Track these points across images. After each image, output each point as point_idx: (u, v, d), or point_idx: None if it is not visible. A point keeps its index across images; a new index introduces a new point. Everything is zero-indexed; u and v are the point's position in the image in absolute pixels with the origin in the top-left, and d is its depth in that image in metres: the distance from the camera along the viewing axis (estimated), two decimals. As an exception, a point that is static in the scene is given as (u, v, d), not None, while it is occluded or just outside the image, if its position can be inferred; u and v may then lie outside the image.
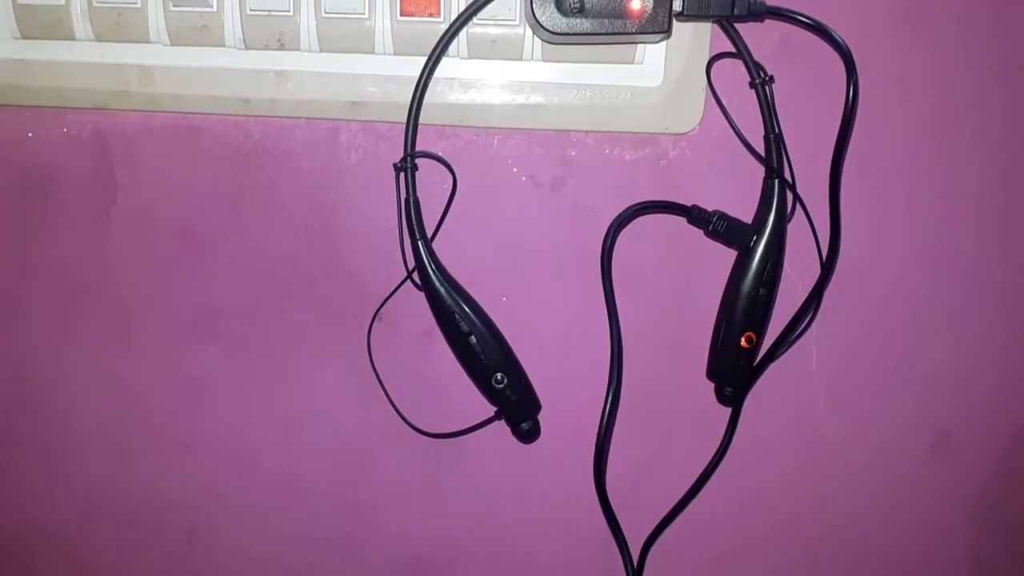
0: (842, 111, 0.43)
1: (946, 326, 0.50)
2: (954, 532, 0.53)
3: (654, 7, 0.41)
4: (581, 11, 0.41)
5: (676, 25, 0.44)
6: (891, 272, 0.49)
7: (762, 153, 0.44)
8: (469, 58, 0.46)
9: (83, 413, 0.52)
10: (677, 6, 0.42)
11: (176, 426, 0.52)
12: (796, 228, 0.46)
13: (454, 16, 0.44)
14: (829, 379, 0.50)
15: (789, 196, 0.45)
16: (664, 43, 0.45)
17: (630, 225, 0.47)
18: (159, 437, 0.53)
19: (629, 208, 0.45)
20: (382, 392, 0.49)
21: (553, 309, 0.50)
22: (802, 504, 0.52)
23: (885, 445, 0.51)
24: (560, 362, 0.49)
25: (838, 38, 0.42)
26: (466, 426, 0.49)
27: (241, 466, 0.53)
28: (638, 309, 0.49)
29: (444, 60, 0.45)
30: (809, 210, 0.46)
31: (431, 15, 0.45)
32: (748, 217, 0.46)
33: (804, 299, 0.46)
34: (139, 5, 0.45)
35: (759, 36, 0.45)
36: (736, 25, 0.43)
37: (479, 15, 0.44)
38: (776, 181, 0.44)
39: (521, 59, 0.46)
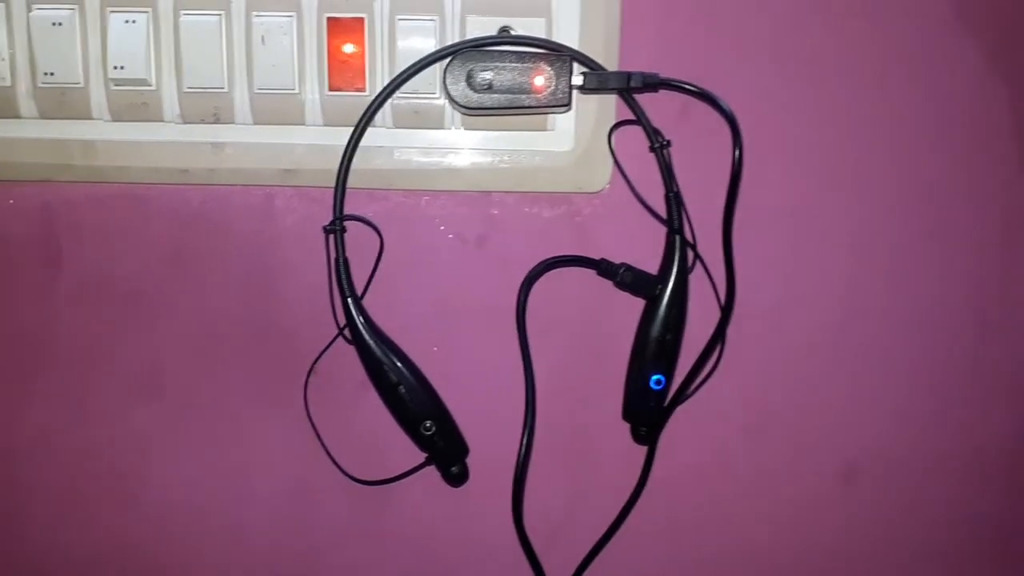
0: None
1: (845, 361, 0.54)
2: (864, 558, 0.56)
3: (556, 84, 0.45)
4: (490, 88, 0.45)
5: (583, 96, 0.48)
6: (789, 313, 0.53)
7: (664, 209, 0.48)
8: (394, 127, 0.50)
9: (32, 471, 0.54)
10: (578, 81, 0.46)
11: (124, 481, 0.54)
12: (701, 276, 0.50)
13: (379, 89, 0.48)
14: (741, 416, 0.54)
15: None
16: (573, 112, 0.49)
17: (550, 278, 0.51)
18: (107, 492, 0.54)
19: (541, 263, 0.49)
20: (319, 443, 0.52)
21: (481, 357, 0.53)
22: (721, 537, 0.55)
23: (797, 477, 0.55)
24: (487, 408, 0.52)
25: (723, 105, 0.46)
26: (399, 472, 0.51)
27: (187, 518, 0.55)
28: (558, 356, 0.52)
29: (371, 129, 0.48)
30: (709, 259, 0.50)
31: (358, 89, 0.49)
32: (657, 267, 0.50)
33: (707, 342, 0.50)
34: (82, 84, 0.48)
35: (663, 103, 0.49)
36: (637, 96, 0.48)
37: (402, 89, 0.48)
38: (676, 236, 0.48)
39: (443, 128, 0.50)
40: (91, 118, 0.49)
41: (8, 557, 0.55)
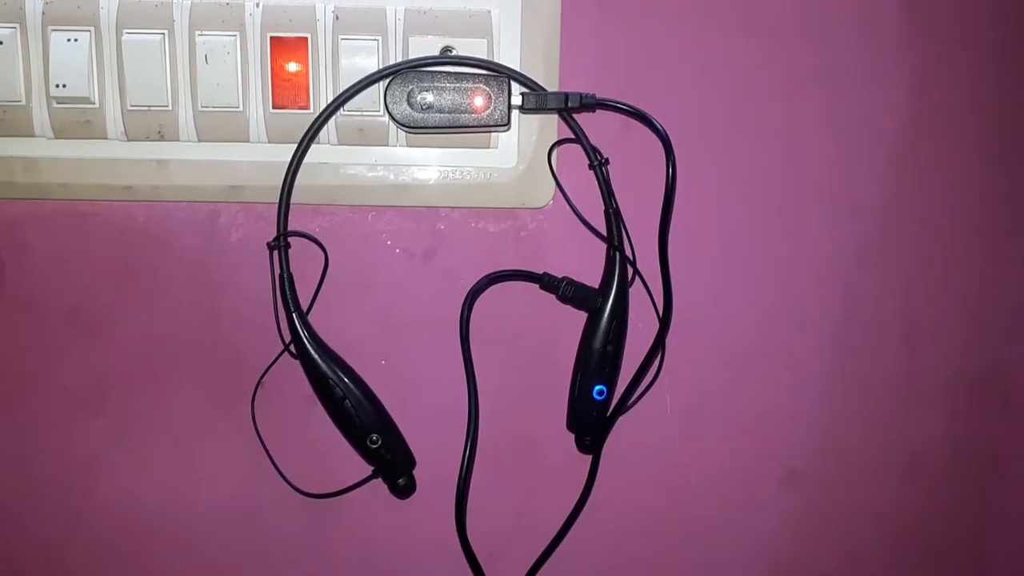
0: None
1: (781, 367, 0.55)
2: (805, 561, 0.58)
3: (495, 103, 0.47)
4: (430, 108, 0.46)
5: (525, 115, 0.50)
6: (726, 322, 0.54)
7: (604, 224, 0.50)
8: (339, 144, 0.50)
9: (-28, 492, 0.54)
10: (517, 101, 0.47)
11: (67, 498, 0.54)
12: (641, 288, 0.52)
13: (323, 107, 0.48)
14: (683, 423, 0.55)
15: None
16: (516, 129, 0.51)
17: (494, 291, 0.52)
18: (50, 509, 0.54)
19: (484, 278, 0.50)
20: (267, 457, 0.52)
21: (427, 371, 0.53)
22: (667, 543, 0.56)
23: (738, 482, 0.56)
24: (434, 421, 0.53)
25: (657, 124, 0.48)
26: (347, 485, 0.52)
27: (134, 534, 0.54)
28: (503, 369, 0.53)
29: (315, 146, 0.49)
30: (648, 271, 0.51)
31: (301, 107, 0.49)
32: (599, 280, 0.51)
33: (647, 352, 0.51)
34: (23, 102, 0.48)
35: (603, 121, 0.51)
36: (576, 115, 0.49)
37: (345, 107, 0.49)
38: (616, 252, 0.49)
39: (387, 144, 0.51)
40: (34, 135, 0.49)
41: (-50, 578, 0.54)
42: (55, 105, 0.48)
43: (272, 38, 0.48)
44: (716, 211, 0.53)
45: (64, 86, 0.48)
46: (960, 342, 0.56)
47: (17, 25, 0.48)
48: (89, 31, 0.48)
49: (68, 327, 0.52)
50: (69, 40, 0.48)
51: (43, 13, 0.48)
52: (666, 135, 0.48)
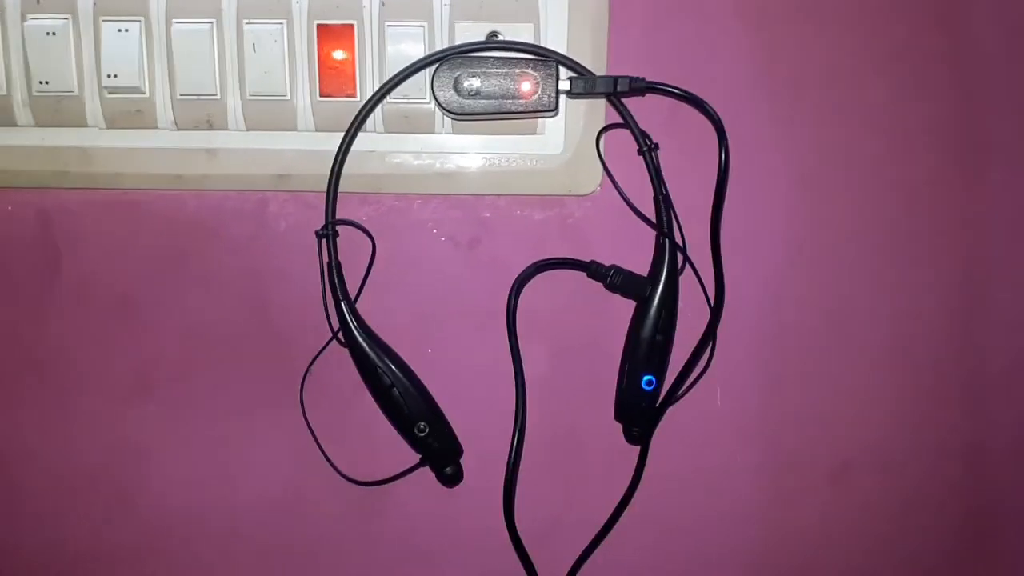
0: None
1: (835, 361, 0.54)
2: (856, 557, 0.57)
3: (542, 88, 0.46)
4: (477, 94, 0.46)
5: (573, 100, 0.49)
6: (778, 313, 0.53)
7: (654, 211, 0.49)
8: (385, 132, 0.50)
9: (27, 474, 0.55)
10: (565, 86, 0.46)
11: (119, 484, 0.55)
12: (691, 276, 0.51)
13: (369, 95, 0.48)
14: (733, 415, 0.54)
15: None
16: (563, 115, 0.50)
17: (541, 279, 0.51)
18: (102, 496, 0.55)
19: (531, 266, 0.50)
20: (315, 445, 0.52)
21: (473, 358, 0.53)
22: (713, 537, 0.56)
23: (788, 476, 0.55)
24: (481, 409, 0.53)
25: (709, 108, 0.47)
26: (394, 473, 0.52)
27: (183, 521, 0.55)
28: (551, 358, 0.53)
29: (362, 134, 0.49)
30: (699, 259, 0.50)
31: (348, 95, 0.49)
32: (648, 268, 0.50)
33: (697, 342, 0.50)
34: (76, 93, 0.49)
35: (651, 107, 0.50)
36: (624, 99, 0.48)
37: (392, 94, 0.48)
38: (666, 239, 0.48)
39: (434, 132, 0.50)
40: (86, 125, 0.50)
41: (3, 564, 0.56)
42: (107, 95, 0.49)
43: (319, 26, 0.48)
44: (767, 198, 0.52)
45: (115, 76, 0.48)
46: (1018, 336, 0.54)
47: (69, 16, 0.48)
48: (139, 21, 0.48)
49: (120, 315, 0.53)
50: (120, 30, 0.48)
51: (94, 4, 0.48)
52: (719, 119, 0.46)
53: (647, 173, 0.48)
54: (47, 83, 0.49)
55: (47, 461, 0.54)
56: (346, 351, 0.49)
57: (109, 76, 0.48)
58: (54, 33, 0.48)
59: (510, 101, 0.46)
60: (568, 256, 0.51)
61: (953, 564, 0.57)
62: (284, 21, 0.48)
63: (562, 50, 0.48)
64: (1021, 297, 0.54)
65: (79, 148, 0.50)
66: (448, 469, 0.51)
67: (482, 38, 0.48)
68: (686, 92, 0.47)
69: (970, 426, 0.55)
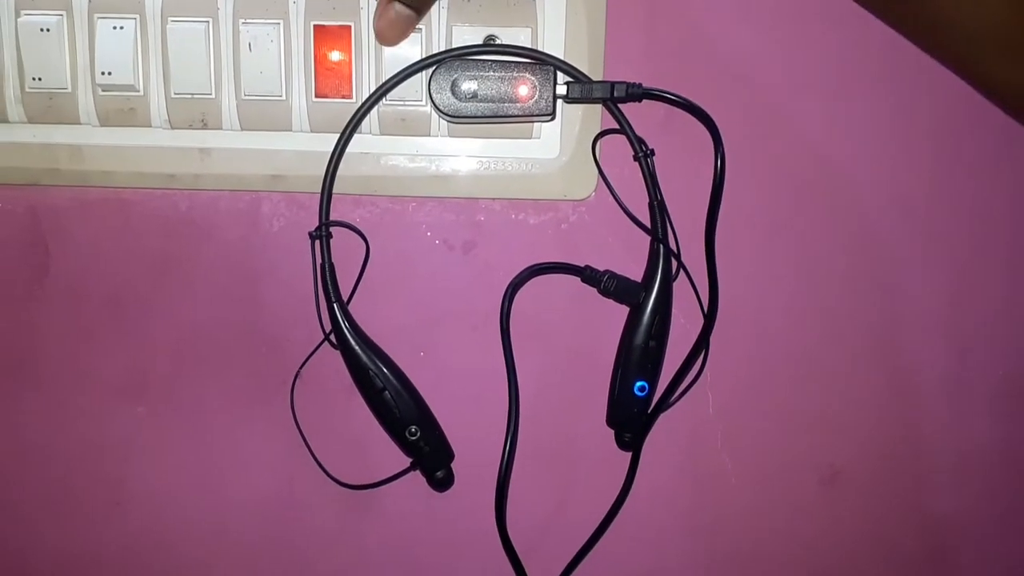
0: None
1: (827, 367, 0.54)
2: (847, 563, 0.57)
3: (539, 93, 0.46)
4: (474, 97, 0.46)
5: (568, 105, 0.49)
6: (771, 321, 0.53)
7: (648, 217, 0.49)
8: (381, 134, 0.50)
9: (15, 474, 0.54)
10: (562, 91, 0.46)
11: (108, 485, 0.54)
12: (685, 283, 0.51)
13: (365, 97, 0.48)
14: (725, 421, 0.54)
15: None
16: (559, 120, 0.50)
17: (535, 284, 0.51)
18: (91, 496, 0.54)
19: (525, 270, 0.49)
20: (305, 447, 0.52)
21: (466, 363, 0.53)
22: (706, 542, 0.56)
23: (778, 481, 0.55)
24: (473, 413, 0.53)
25: (706, 115, 0.47)
26: (385, 477, 0.51)
27: (172, 522, 0.55)
28: (544, 362, 0.53)
29: (357, 136, 0.49)
30: (693, 266, 0.50)
31: (344, 97, 0.49)
32: (642, 274, 0.50)
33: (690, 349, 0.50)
34: (69, 90, 0.49)
35: (647, 112, 0.50)
36: (621, 105, 0.48)
37: (388, 96, 0.48)
38: (660, 245, 0.48)
39: (429, 135, 0.50)
40: (78, 123, 0.49)
41: (-7, 560, 0.55)
42: (100, 92, 0.49)
43: (315, 26, 0.48)
44: (762, 206, 0.52)
45: (109, 73, 0.48)
46: (1009, 342, 0.54)
47: (64, 12, 0.48)
48: (135, 19, 0.48)
49: (110, 315, 0.52)
50: (115, 28, 0.48)
51: (89, 1, 0.48)
52: (715, 125, 0.47)
53: (641, 179, 0.48)
54: (40, 79, 0.48)
55: (34, 460, 0.54)
56: (338, 353, 0.49)
57: (103, 73, 0.48)
58: (48, 29, 0.48)
59: (507, 105, 0.46)
60: (562, 261, 0.51)
61: (944, 569, 0.57)
62: (280, 21, 0.48)
63: (559, 54, 0.48)
64: (1013, 304, 0.54)
65: (71, 145, 0.50)
66: (439, 473, 0.50)
67: (479, 42, 0.48)
68: (683, 99, 0.47)
69: (961, 432, 0.55)
